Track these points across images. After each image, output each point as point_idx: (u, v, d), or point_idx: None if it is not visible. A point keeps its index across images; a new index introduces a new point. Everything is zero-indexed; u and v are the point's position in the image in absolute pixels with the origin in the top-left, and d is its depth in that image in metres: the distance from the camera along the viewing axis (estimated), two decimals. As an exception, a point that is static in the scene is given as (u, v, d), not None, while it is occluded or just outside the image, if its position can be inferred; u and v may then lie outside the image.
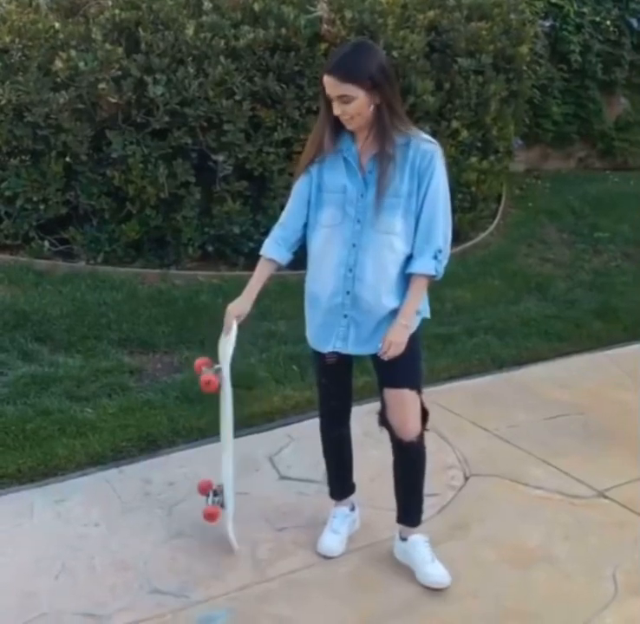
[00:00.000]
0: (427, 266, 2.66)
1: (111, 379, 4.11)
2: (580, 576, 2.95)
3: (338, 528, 3.05)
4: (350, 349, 2.77)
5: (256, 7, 5.29)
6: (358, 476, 3.14)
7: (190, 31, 5.07)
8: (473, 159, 6.06)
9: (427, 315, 2.84)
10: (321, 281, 2.76)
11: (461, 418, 3.97)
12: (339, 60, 2.57)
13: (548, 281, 5.83)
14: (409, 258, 2.70)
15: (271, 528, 3.13)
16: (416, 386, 2.78)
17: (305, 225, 2.79)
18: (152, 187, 5.15)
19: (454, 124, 5.82)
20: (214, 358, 2.91)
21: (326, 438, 3.05)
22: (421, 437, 2.83)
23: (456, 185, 6.03)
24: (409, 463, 2.87)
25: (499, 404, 4.14)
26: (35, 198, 5.19)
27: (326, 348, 2.79)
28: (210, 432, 3.76)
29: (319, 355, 2.85)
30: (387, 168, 2.61)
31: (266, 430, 3.82)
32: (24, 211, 5.25)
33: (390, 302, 2.71)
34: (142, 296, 4.98)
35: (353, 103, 2.55)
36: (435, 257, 2.65)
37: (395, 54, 5.39)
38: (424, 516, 3.19)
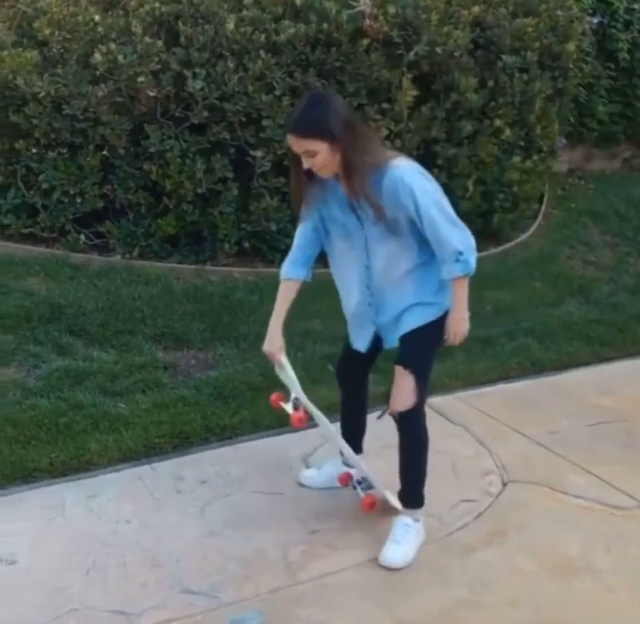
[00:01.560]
0: (454, 271, 2.76)
1: (145, 374, 4.09)
2: (622, 589, 2.86)
3: (323, 468, 3.33)
4: (388, 344, 3.00)
5: (297, 1, 5.24)
6: (393, 481, 3.07)
7: (230, 25, 5.04)
8: (516, 159, 5.96)
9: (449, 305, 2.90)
10: (345, 294, 3.01)
11: (500, 423, 3.89)
12: (296, 118, 2.66)
13: (590, 284, 5.73)
14: (425, 263, 2.82)
15: (305, 530, 3.08)
16: (414, 368, 2.88)
17: (320, 244, 2.97)
18: (189, 182, 5.12)
19: (498, 122, 5.74)
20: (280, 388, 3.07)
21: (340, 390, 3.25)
22: (408, 415, 2.90)
23: (498, 185, 5.95)
24: (401, 438, 2.96)
25: (538, 409, 4.05)
26: (71, 192, 5.19)
27: (359, 347, 3.05)
28: (243, 430, 3.73)
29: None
30: (370, 204, 2.71)
31: (300, 430, 3.76)
32: (61, 204, 5.26)
33: (413, 301, 2.87)
34: (177, 292, 4.96)
35: (318, 156, 2.64)
36: (457, 260, 2.72)
37: (438, 50, 5.32)
38: (461, 522, 3.15)
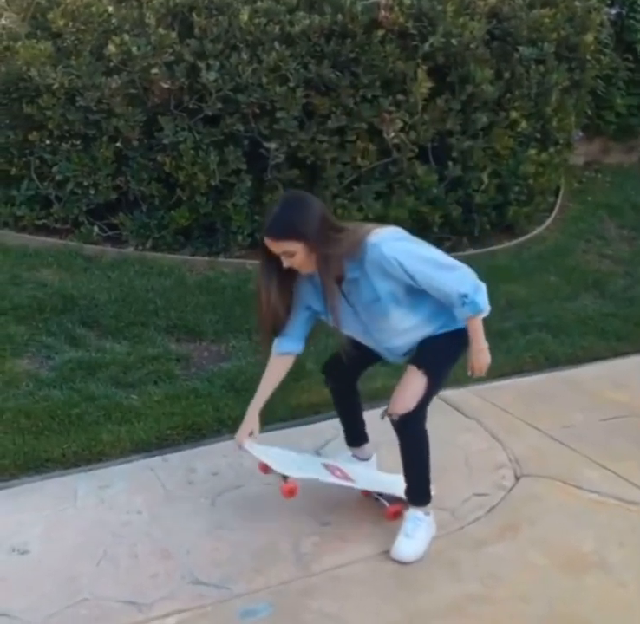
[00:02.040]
0: (464, 313, 2.77)
1: (157, 366, 4.09)
2: (634, 584, 2.83)
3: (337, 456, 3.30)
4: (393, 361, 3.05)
5: (312, -9, 5.22)
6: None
7: (244, 16, 5.03)
8: (532, 151, 5.91)
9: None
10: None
11: (513, 416, 3.87)
12: (272, 221, 2.70)
13: (606, 278, 5.68)
14: (425, 316, 2.85)
15: (316, 522, 3.07)
16: (428, 370, 2.85)
17: (315, 320, 2.99)
18: (202, 174, 5.11)
19: (513, 114, 5.69)
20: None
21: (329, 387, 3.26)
22: (409, 419, 2.86)
23: (513, 178, 5.91)
24: (401, 441, 2.93)
25: (552, 403, 4.02)
26: (85, 183, 5.19)
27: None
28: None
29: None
30: (354, 288, 2.77)
31: (313, 422, 3.77)
32: (74, 196, 5.26)
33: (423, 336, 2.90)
34: (190, 284, 4.96)
35: (296, 256, 2.69)
36: (463, 303, 2.73)
37: (453, 41, 5.29)
38: (473, 516, 3.14)
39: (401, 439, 2.93)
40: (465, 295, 2.71)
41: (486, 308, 2.78)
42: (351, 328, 2.88)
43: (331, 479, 3.03)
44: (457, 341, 2.88)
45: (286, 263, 2.72)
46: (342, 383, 3.20)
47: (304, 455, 3.25)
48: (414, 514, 2.97)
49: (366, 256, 2.69)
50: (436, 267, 2.72)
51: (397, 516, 3.06)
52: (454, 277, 2.73)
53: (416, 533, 2.92)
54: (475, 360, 2.89)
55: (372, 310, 2.81)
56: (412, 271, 2.69)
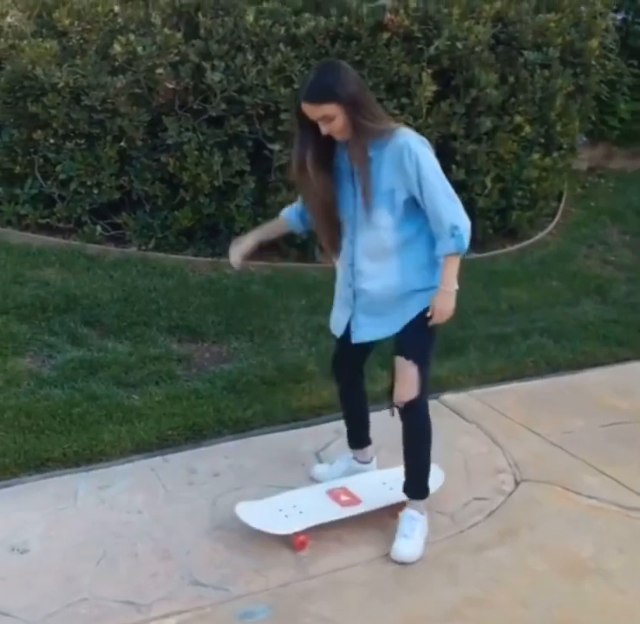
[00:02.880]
0: (447, 246, 2.75)
1: (159, 366, 4.09)
2: (633, 591, 2.83)
3: (335, 464, 3.32)
4: (355, 338, 2.97)
5: (318, -6, 5.23)
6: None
7: (250, 18, 5.03)
8: (535, 156, 5.91)
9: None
10: (338, 274, 3.02)
11: (513, 421, 3.86)
12: (310, 86, 2.69)
13: (608, 283, 5.67)
14: (406, 245, 2.81)
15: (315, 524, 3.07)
16: (416, 358, 2.87)
17: None
18: (206, 175, 5.12)
19: (517, 119, 5.69)
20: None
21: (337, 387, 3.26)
22: (414, 405, 2.91)
23: (516, 182, 5.91)
24: (406, 428, 2.96)
25: (553, 409, 4.02)
26: (89, 183, 5.20)
27: (335, 331, 3.07)
28: (256, 423, 3.73)
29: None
30: (367, 170, 2.73)
31: (313, 424, 3.76)
32: (78, 195, 5.27)
33: (393, 289, 2.85)
34: (193, 284, 4.96)
35: (335, 121, 2.68)
36: (453, 235, 2.72)
37: (459, 45, 5.29)
38: (472, 520, 3.14)
39: (407, 429, 2.95)
40: (456, 228, 2.71)
41: (466, 248, 2.78)
42: (346, 213, 2.86)
43: (337, 515, 3.00)
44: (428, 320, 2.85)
45: (325, 129, 2.70)
46: (345, 380, 3.21)
47: (306, 489, 3.16)
48: (409, 514, 2.98)
49: (390, 143, 2.70)
50: (444, 189, 2.74)
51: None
52: (454, 208, 2.74)
53: (414, 533, 2.93)
54: (439, 301, 2.78)
55: (368, 195, 2.77)
56: (424, 177, 2.69)
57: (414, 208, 2.78)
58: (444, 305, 2.78)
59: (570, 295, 5.44)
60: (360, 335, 2.98)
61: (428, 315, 2.80)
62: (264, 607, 2.66)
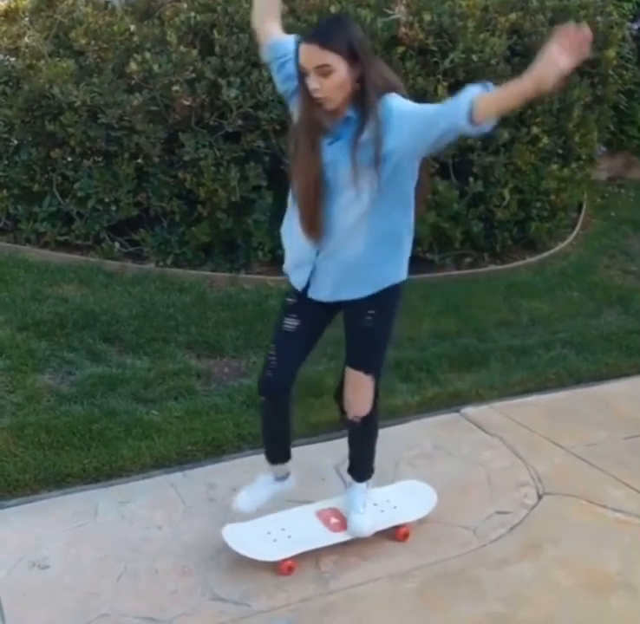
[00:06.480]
0: (475, 89, 2.39)
1: (178, 382, 4.09)
2: (662, 606, 2.78)
3: (256, 490, 3.02)
4: (311, 294, 2.74)
5: (332, 9, 5.23)
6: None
7: (265, 34, 5.04)
8: (554, 167, 5.88)
9: (404, 276, 2.74)
10: (292, 227, 2.68)
11: (536, 434, 3.82)
12: (317, 29, 2.50)
13: (630, 294, 5.61)
14: (376, 213, 2.57)
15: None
16: (372, 370, 2.81)
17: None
18: (223, 190, 5.13)
19: (535, 130, 5.66)
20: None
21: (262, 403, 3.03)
22: (370, 417, 2.89)
23: (535, 193, 5.88)
24: (356, 435, 2.98)
25: (576, 421, 3.97)
26: (106, 200, 5.23)
27: (297, 286, 2.77)
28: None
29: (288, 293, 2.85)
30: (380, 133, 2.46)
31: (333, 439, 3.73)
32: (96, 212, 5.30)
33: (355, 253, 2.62)
34: (211, 300, 4.96)
35: (332, 76, 2.39)
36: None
37: (474, 58, 5.29)
38: (495, 534, 3.11)
39: (358, 433, 2.96)
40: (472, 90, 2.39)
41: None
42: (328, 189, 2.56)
43: (325, 542, 2.94)
44: (389, 320, 2.76)
45: (315, 83, 2.41)
46: (289, 370, 2.93)
47: (296, 509, 3.09)
48: (359, 487, 3.01)
49: (384, 105, 2.46)
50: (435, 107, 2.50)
51: (406, 536, 3.04)
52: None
53: (366, 507, 2.97)
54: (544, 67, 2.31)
55: (342, 173, 2.51)
56: (423, 112, 2.46)
57: (400, 191, 2.57)
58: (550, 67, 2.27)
59: (591, 306, 5.39)
60: (321, 294, 2.73)
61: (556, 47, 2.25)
62: (286, 623, 2.63)
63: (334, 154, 2.54)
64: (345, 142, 2.52)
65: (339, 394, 2.94)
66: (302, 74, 2.45)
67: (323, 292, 2.74)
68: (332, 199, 2.57)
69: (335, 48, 2.38)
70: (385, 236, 2.65)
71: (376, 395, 2.88)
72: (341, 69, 2.40)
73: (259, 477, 3.08)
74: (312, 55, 2.39)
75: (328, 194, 2.56)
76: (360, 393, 2.84)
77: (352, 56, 2.40)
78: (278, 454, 3.06)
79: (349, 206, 2.57)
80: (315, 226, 2.60)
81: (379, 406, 2.95)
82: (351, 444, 3.03)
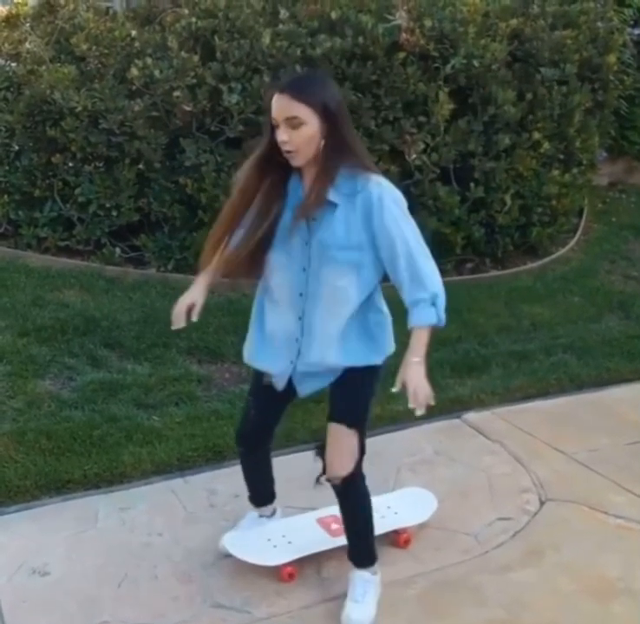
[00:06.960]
0: (428, 316, 2.36)
1: (179, 387, 4.08)
2: (665, 613, 2.77)
3: (244, 529, 2.97)
4: (302, 392, 2.64)
5: (333, 15, 5.25)
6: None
7: (266, 40, 5.06)
8: (555, 172, 5.89)
9: (392, 350, 2.59)
10: (275, 322, 2.57)
11: (537, 440, 3.81)
12: (292, 80, 2.42)
13: (631, 299, 5.61)
14: (363, 310, 2.48)
15: (337, 546, 3.03)
16: (355, 426, 2.56)
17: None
18: (224, 196, 5.11)
19: (536, 135, 5.68)
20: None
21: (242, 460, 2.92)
22: (353, 480, 2.60)
23: (536, 199, 5.88)
24: (342, 503, 2.68)
25: (577, 426, 3.97)
26: (107, 205, 5.23)
27: (280, 385, 2.63)
28: (276, 444, 3.66)
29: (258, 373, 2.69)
30: (329, 217, 2.36)
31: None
32: (97, 218, 5.31)
33: (336, 360, 2.51)
34: (212, 305, 4.93)
35: (302, 129, 2.28)
36: (433, 304, 2.36)
37: (475, 63, 5.29)
38: (497, 541, 3.09)
39: (343, 502, 2.67)
40: (437, 296, 2.36)
41: (444, 322, 2.39)
42: (285, 289, 2.48)
43: (327, 546, 2.91)
44: (373, 381, 2.58)
45: (284, 135, 2.28)
46: (258, 448, 2.87)
47: (296, 517, 3.07)
48: (360, 576, 2.73)
49: (364, 190, 2.33)
50: (425, 251, 2.40)
51: (408, 543, 3.02)
52: (436, 275, 2.38)
53: (366, 598, 2.70)
54: (413, 373, 2.32)
55: (326, 248, 2.38)
56: (402, 239, 2.35)
57: (372, 271, 2.44)
58: (420, 379, 2.33)
59: (592, 311, 5.39)
60: (305, 388, 2.61)
61: (396, 388, 2.35)
62: (287, 630, 2.63)
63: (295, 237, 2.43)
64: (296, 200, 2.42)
65: (322, 452, 2.69)
66: (272, 127, 2.34)
67: (311, 386, 2.63)
68: (313, 278, 2.45)
69: (307, 100, 2.27)
70: (360, 331, 2.52)
71: (361, 457, 2.60)
72: (312, 123, 2.28)
73: (247, 515, 3.03)
74: (284, 106, 2.28)
75: (304, 281, 2.46)
76: (342, 448, 2.56)
77: (323, 113, 2.29)
78: (262, 498, 2.99)
79: (332, 299, 2.46)
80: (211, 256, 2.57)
81: (367, 488, 2.66)
82: (343, 517, 2.72)
